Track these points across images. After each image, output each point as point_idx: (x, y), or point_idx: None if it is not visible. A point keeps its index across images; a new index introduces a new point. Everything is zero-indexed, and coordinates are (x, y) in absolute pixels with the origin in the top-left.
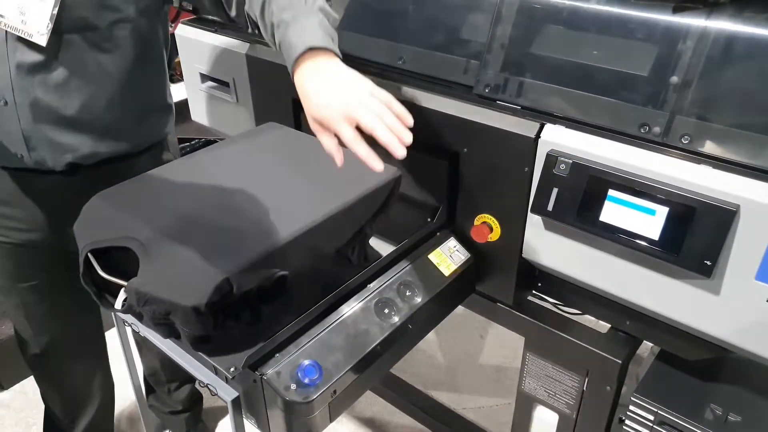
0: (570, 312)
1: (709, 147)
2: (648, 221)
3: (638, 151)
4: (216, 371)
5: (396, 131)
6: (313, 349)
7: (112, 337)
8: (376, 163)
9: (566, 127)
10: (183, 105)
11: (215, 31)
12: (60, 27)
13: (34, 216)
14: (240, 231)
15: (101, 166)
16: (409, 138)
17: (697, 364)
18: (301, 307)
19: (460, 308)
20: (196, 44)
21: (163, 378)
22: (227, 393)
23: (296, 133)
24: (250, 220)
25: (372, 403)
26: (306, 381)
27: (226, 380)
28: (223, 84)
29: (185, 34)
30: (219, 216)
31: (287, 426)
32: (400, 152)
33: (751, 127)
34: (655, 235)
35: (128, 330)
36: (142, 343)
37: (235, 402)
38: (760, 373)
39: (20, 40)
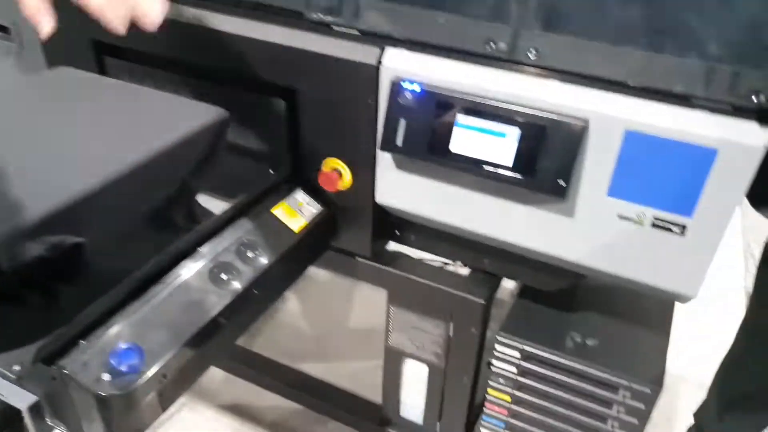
0: (431, 258)
1: (557, 60)
2: (499, 145)
3: (485, 71)
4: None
5: None
6: (131, 329)
7: None
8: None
9: (409, 50)
10: None
11: None
12: None
13: None
14: (11, 192)
15: None
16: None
17: (557, 295)
18: (112, 281)
19: (323, 274)
20: None
21: None
22: (21, 399)
23: (97, 78)
24: (26, 178)
25: (232, 386)
26: (123, 368)
27: (18, 383)
28: (1, 29)
29: None
30: None
31: (106, 427)
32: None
33: (598, 37)
34: (508, 160)
35: None
36: None
37: (34, 409)
38: (614, 296)
39: None
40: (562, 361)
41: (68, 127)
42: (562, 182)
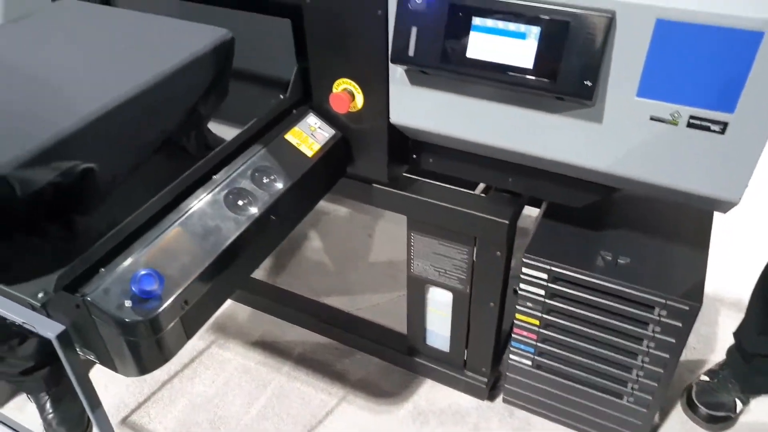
0: (450, 182)
1: None
2: (519, 48)
3: None
4: (26, 303)
5: None
6: (150, 256)
7: None
8: None
9: None
10: None
11: None
12: None
13: None
14: (21, 120)
15: None
16: None
17: (584, 213)
18: (129, 210)
19: (344, 210)
20: None
21: None
22: (49, 328)
23: (99, 8)
24: (35, 107)
25: (260, 322)
26: (144, 295)
27: (46, 313)
28: None
29: None
30: None
31: (133, 353)
32: None
33: None
34: (529, 62)
35: None
36: None
37: (63, 338)
38: (644, 210)
39: None
40: (593, 280)
41: (76, 56)
42: (588, 83)
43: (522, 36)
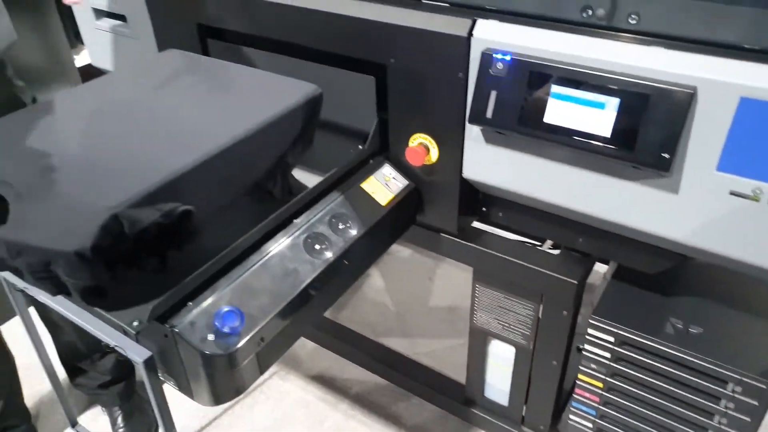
0: (518, 236)
1: (660, 25)
2: (597, 117)
3: (582, 39)
4: (120, 328)
5: None
6: (233, 293)
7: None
8: None
9: (500, 20)
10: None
11: None
12: None
13: None
14: (131, 163)
15: None
16: None
17: (655, 277)
18: (216, 248)
19: (406, 252)
20: None
21: (82, 348)
22: (138, 353)
23: (201, 58)
24: (143, 151)
25: (320, 357)
26: (226, 330)
27: (136, 338)
28: (119, 18)
29: None
30: (107, 149)
31: (210, 384)
32: None
33: None
34: (606, 131)
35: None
36: (50, 316)
37: (149, 363)
38: (718, 279)
39: None
40: (662, 348)
41: (178, 106)
42: (666, 155)
43: (601, 106)
